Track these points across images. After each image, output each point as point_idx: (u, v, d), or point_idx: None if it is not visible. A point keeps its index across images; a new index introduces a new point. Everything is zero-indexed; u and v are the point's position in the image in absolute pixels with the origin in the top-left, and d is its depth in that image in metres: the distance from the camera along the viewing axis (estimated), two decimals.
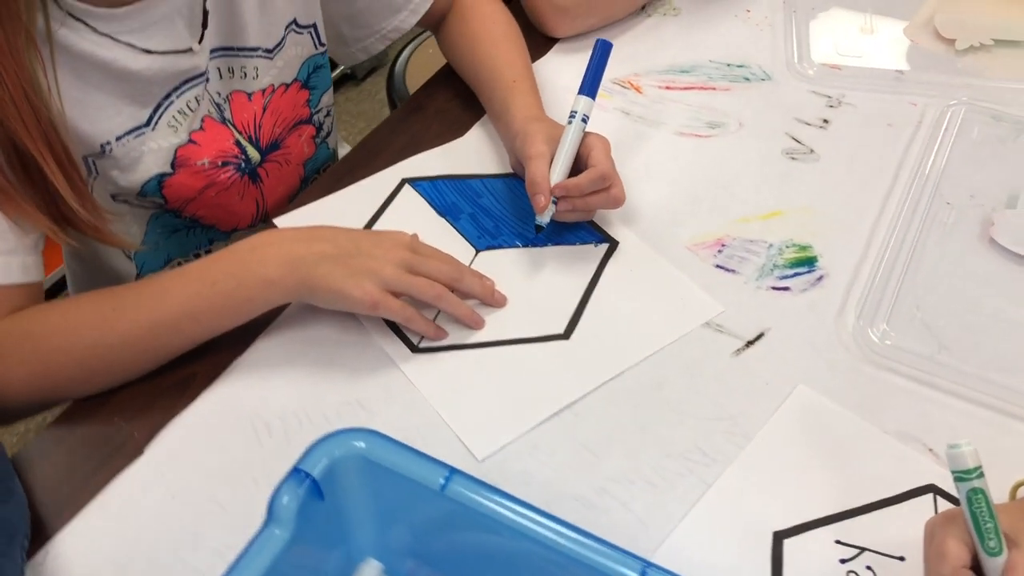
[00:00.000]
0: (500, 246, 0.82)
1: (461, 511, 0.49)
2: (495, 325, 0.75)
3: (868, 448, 0.68)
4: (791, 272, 0.80)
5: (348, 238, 0.73)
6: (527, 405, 0.70)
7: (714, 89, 0.98)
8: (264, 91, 0.86)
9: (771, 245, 0.82)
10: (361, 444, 0.51)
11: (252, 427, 0.69)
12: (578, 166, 0.80)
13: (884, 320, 0.75)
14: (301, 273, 0.70)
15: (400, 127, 0.94)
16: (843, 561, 0.62)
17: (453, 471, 0.50)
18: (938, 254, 0.81)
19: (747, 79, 0.99)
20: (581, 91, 0.80)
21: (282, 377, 0.72)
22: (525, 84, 0.88)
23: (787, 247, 0.82)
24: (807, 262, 0.81)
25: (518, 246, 0.82)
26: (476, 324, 0.75)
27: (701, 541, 0.63)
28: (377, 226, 0.83)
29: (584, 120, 0.79)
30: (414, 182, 0.87)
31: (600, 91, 0.95)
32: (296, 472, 0.50)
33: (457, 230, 0.83)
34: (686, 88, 0.98)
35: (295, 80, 0.90)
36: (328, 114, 0.97)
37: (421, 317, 0.73)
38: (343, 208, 0.85)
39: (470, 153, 0.91)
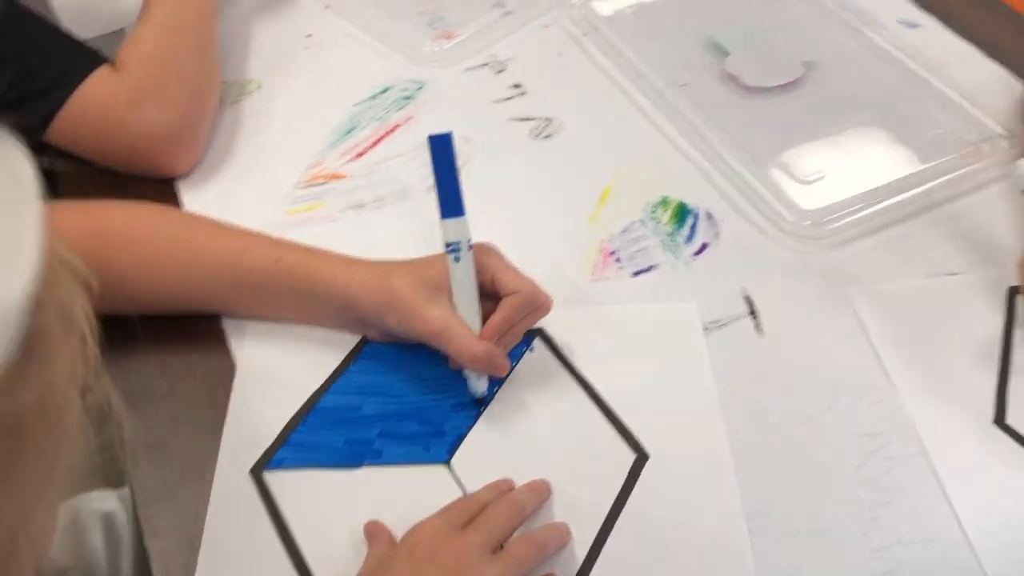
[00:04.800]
0: (460, 435, 0.59)
1: None
2: (579, 517, 0.55)
3: (944, 292, 0.67)
4: (687, 231, 0.72)
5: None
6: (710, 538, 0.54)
7: (399, 126, 0.80)
8: None
9: (643, 222, 0.72)
10: None
11: None
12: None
13: (786, 206, 0.72)
14: None
15: (163, 419, 0.61)
16: None
17: None
18: (729, 127, 0.78)
19: (408, 97, 0.83)
20: (445, 214, 0.57)
21: None
22: (294, 253, 0.62)
23: (654, 212, 0.73)
24: (683, 212, 0.73)
25: (473, 420, 0.60)
26: (568, 536, 0.54)
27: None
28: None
29: (470, 247, 0.58)
30: (266, 469, 0.58)
31: (298, 207, 0.73)
32: None
33: (396, 463, 0.58)
34: (375, 143, 0.79)
35: None
36: None
37: None
38: None
39: (274, 382, 0.62)
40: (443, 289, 0.58)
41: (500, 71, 0.86)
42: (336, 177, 0.76)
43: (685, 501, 0.56)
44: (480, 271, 0.58)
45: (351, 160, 0.77)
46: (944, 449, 0.58)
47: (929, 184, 0.73)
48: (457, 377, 0.60)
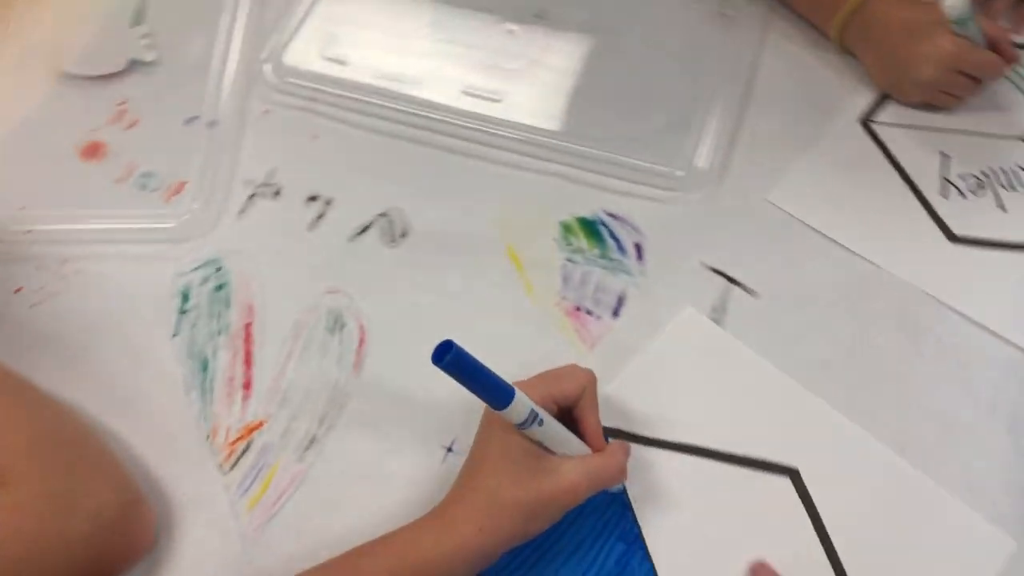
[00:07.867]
0: None
1: None
2: None
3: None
4: (611, 240, 0.69)
5: None
6: None
7: (251, 324, 0.66)
8: None
9: (569, 259, 0.68)
10: None
11: None
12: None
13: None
14: None
15: None
16: None
17: None
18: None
19: (221, 287, 0.68)
20: (500, 406, 0.49)
21: None
22: (367, 565, 0.51)
23: (569, 242, 0.69)
24: (590, 225, 0.70)
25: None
26: None
27: None
28: None
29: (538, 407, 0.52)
30: None
31: (255, 492, 0.61)
32: None
33: None
34: (247, 363, 0.64)
35: None
36: None
37: None
38: None
39: None
40: (540, 453, 0.53)
41: (276, 193, 0.72)
42: (253, 429, 0.61)
43: None
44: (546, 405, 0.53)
45: (244, 399, 0.62)
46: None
47: None
48: (592, 545, 0.56)
